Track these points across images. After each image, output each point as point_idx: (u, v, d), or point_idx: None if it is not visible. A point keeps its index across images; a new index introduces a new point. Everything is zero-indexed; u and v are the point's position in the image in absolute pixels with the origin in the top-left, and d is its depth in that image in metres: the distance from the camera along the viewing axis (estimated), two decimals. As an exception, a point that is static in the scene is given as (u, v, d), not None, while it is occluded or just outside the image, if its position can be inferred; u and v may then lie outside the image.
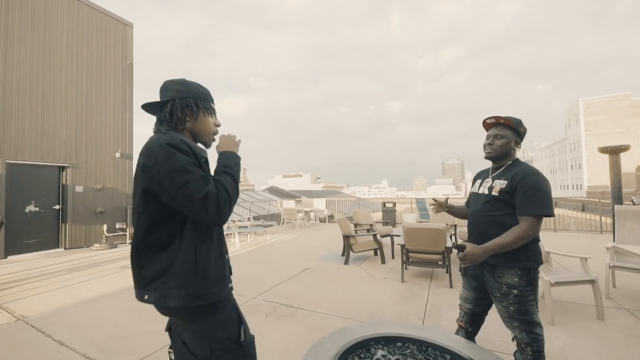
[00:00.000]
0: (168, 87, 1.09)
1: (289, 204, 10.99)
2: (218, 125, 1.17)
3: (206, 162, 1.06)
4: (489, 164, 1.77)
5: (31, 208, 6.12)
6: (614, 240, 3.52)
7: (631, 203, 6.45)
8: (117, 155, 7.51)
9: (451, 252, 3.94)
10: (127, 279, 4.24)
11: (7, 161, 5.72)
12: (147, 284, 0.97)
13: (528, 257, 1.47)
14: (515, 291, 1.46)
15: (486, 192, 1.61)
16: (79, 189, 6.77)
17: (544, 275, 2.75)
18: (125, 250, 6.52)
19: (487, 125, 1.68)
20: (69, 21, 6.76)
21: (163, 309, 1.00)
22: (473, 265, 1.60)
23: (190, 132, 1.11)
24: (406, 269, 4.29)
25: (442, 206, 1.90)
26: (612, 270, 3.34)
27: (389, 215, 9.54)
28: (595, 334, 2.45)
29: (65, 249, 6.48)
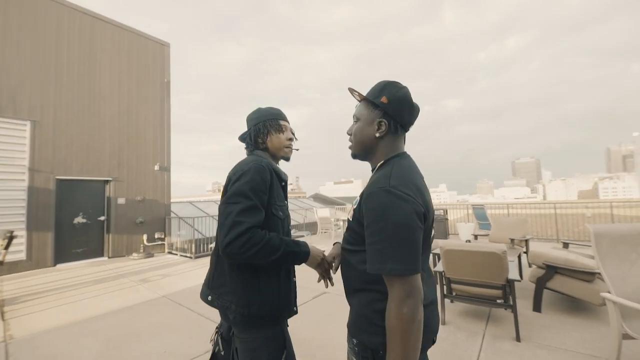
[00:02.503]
0: (249, 119, 1.30)
1: (324, 212, 10.32)
2: (290, 139, 1.29)
3: (285, 186, 1.21)
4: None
5: (79, 219, 6.63)
6: None
7: None
8: (156, 168, 7.84)
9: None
10: (135, 295, 4.05)
11: (57, 177, 6.29)
12: (214, 286, 1.07)
13: (377, 323, 0.86)
14: None
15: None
16: (121, 200, 7.18)
17: None
18: (160, 260, 6.63)
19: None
20: (112, 46, 7.34)
21: (222, 314, 1.09)
22: None
23: (269, 150, 1.25)
24: (451, 302, 3.20)
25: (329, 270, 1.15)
26: None
27: (439, 225, 8.11)
28: None
29: (108, 257, 6.88)
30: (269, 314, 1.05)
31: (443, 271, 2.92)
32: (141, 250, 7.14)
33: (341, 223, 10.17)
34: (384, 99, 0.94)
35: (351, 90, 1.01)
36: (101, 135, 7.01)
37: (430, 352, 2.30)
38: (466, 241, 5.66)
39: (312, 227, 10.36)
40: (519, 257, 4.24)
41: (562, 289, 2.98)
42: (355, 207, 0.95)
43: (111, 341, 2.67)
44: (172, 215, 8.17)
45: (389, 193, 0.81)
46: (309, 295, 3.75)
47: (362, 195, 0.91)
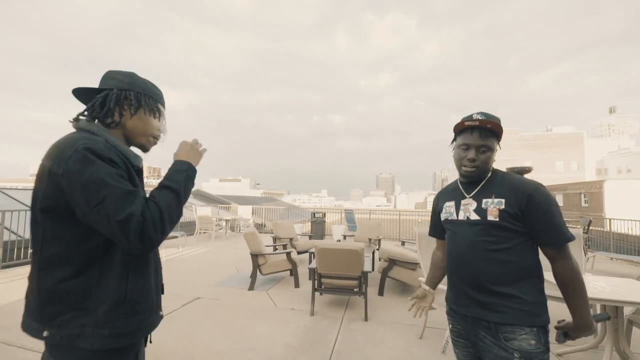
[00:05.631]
0: (110, 76, 0.91)
1: (205, 210, 9.53)
2: (162, 132, 1.00)
3: (139, 172, 0.92)
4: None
5: None
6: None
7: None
8: None
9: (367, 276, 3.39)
10: None
11: None
12: (49, 318, 0.77)
13: (544, 308, 1.09)
14: None
15: (476, 217, 1.16)
16: None
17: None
18: None
19: (461, 127, 1.18)
20: None
21: (62, 350, 0.77)
22: (461, 323, 1.20)
23: (123, 130, 0.91)
24: (320, 294, 3.62)
25: (427, 299, 1.49)
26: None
27: (318, 226, 8.97)
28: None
29: None
30: (139, 328, 0.83)
31: (316, 267, 3.27)
32: None
33: (223, 223, 9.63)
34: (502, 132, 1.18)
35: (487, 123, 1.12)
36: None
37: (298, 344, 2.53)
38: (337, 240, 6.49)
39: (189, 227, 9.33)
40: (373, 253, 5.24)
41: (398, 276, 3.91)
42: (502, 207, 1.09)
43: None
44: (-38, 206, 5.55)
45: (544, 187, 1.10)
46: (177, 303, 3.38)
47: (514, 194, 1.08)
